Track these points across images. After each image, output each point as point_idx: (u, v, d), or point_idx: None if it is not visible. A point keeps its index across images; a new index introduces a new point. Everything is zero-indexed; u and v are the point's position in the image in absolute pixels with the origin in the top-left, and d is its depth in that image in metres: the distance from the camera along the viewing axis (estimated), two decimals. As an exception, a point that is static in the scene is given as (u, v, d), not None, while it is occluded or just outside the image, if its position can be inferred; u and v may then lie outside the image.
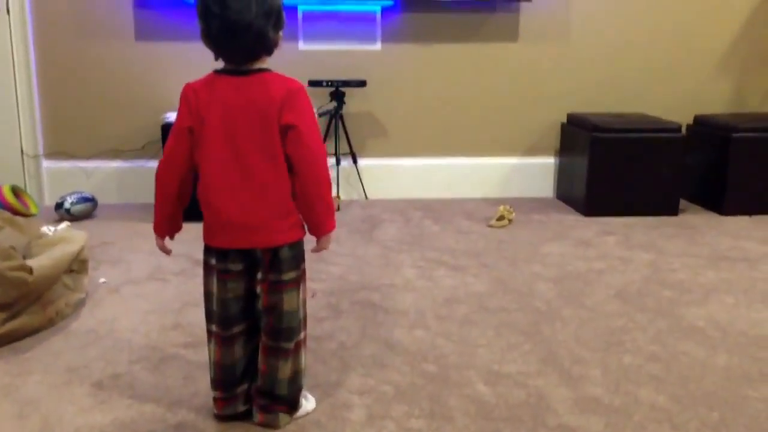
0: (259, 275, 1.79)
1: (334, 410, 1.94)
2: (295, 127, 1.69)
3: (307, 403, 1.93)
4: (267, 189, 1.72)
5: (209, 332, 1.86)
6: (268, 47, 1.73)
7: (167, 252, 1.92)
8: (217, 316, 1.83)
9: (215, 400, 1.88)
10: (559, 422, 1.89)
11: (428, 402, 1.99)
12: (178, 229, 1.89)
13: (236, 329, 1.83)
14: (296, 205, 1.77)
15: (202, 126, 1.71)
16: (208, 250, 1.82)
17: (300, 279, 1.83)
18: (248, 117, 1.69)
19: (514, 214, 3.82)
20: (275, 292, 1.79)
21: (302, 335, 1.86)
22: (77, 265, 2.65)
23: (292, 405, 1.88)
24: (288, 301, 1.80)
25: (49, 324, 2.43)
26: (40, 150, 4.14)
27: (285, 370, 1.83)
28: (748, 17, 4.34)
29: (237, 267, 1.79)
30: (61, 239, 2.65)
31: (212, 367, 1.86)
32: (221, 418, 1.88)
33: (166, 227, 1.86)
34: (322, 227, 1.80)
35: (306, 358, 1.91)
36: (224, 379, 1.85)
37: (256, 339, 1.86)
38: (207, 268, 1.83)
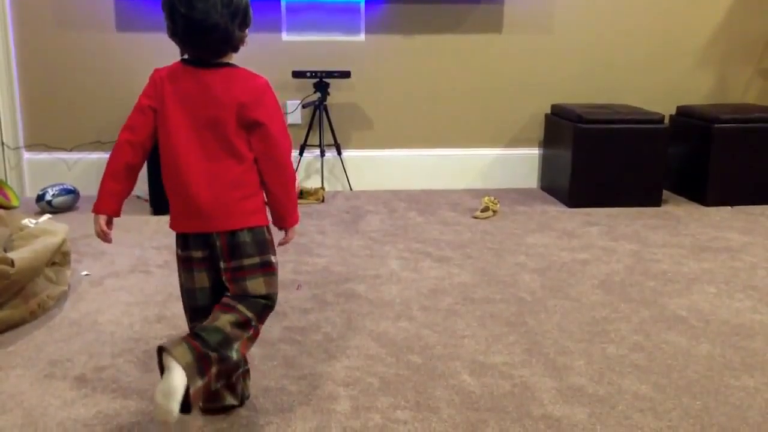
0: (222, 264, 1.76)
1: (320, 402, 1.94)
2: (263, 125, 1.72)
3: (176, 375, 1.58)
4: (225, 175, 1.72)
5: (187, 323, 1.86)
6: (233, 46, 1.75)
7: (108, 238, 1.85)
8: (186, 307, 1.84)
9: None
10: (543, 412, 1.90)
11: (414, 393, 1.99)
12: (118, 212, 1.83)
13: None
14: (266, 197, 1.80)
15: (164, 109, 1.73)
16: (176, 239, 1.82)
17: (265, 267, 1.78)
18: (208, 109, 1.71)
19: (498, 205, 3.83)
20: (238, 279, 1.75)
21: (259, 326, 1.77)
22: (59, 258, 2.63)
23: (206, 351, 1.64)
24: (252, 286, 1.75)
25: (31, 317, 2.41)
26: (21, 142, 4.09)
27: (225, 323, 1.68)
28: (730, 8, 4.37)
29: (198, 254, 1.77)
30: (43, 232, 2.63)
31: None
32: (205, 411, 1.88)
33: (108, 203, 1.80)
34: (289, 219, 1.82)
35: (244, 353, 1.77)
36: None
37: None
38: (177, 258, 1.84)
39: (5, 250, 2.38)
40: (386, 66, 4.23)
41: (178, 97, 1.72)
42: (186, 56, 1.75)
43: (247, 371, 1.92)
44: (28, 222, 2.73)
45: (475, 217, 3.72)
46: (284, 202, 1.79)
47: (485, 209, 3.76)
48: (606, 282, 2.85)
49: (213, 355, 1.63)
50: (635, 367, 2.15)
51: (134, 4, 3.98)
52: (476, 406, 1.93)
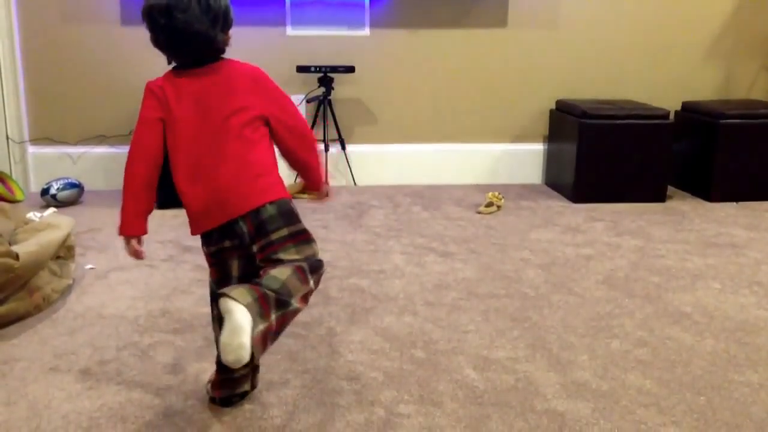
0: (254, 248, 1.71)
1: (324, 396, 1.94)
2: (275, 109, 1.76)
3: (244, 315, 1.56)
4: (241, 163, 1.71)
5: (213, 313, 1.84)
6: (217, 49, 1.76)
7: (141, 255, 1.84)
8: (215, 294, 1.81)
9: (214, 383, 1.87)
10: (547, 407, 1.90)
11: (417, 387, 1.99)
12: (146, 230, 1.83)
13: None
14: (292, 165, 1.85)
15: (171, 118, 1.72)
16: (202, 241, 1.79)
17: (295, 236, 1.70)
18: (214, 102, 1.71)
19: (503, 200, 3.82)
20: (269, 255, 1.68)
21: (313, 283, 1.69)
22: (64, 252, 2.63)
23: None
24: (286, 257, 1.67)
25: (36, 310, 2.42)
26: (26, 136, 4.10)
27: (284, 273, 1.63)
28: (737, 3, 4.35)
29: (227, 243, 1.74)
30: (48, 225, 2.63)
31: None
32: (217, 401, 1.88)
33: (135, 225, 1.80)
34: (321, 178, 1.91)
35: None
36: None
37: None
38: (206, 257, 1.81)
39: (10, 244, 2.39)
40: (391, 60, 4.22)
41: (184, 99, 1.72)
42: (175, 64, 1.76)
43: (257, 366, 1.93)
44: (33, 216, 2.74)
45: (479, 213, 3.71)
46: (315, 164, 1.87)
47: (489, 204, 3.75)
48: (610, 277, 2.84)
49: (272, 296, 1.57)
50: (639, 362, 2.15)
51: (139, -1, 3.99)
52: (480, 400, 1.93)
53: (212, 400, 1.89)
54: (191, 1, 1.66)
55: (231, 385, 1.87)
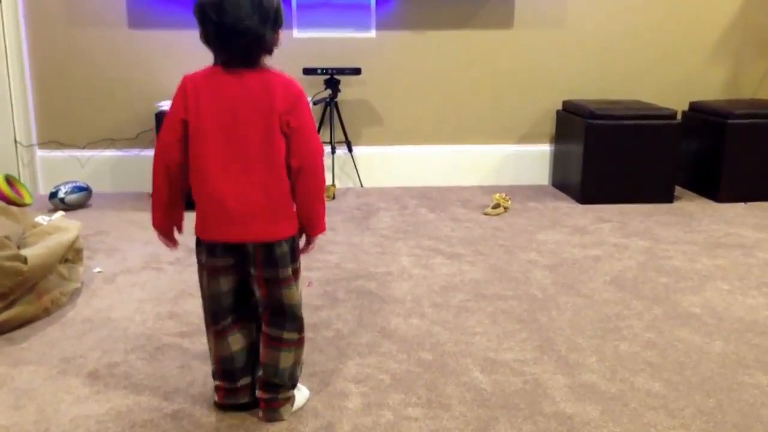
0: (253, 271, 1.78)
1: (331, 399, 1.94)
2: (300, 131, 1.73)
3: (300, 394, 1.92)
4: (265, 184, 1.72)
5: (206, 324, 1.86)
6: (267, 48, 1.74)
7: (174, 245, 1.90)
8: (208, 310, 1.84)
9: (217, 388, 1.88)
10: (555, 409, 1.89)
11: (425, 390, 1.99)
12: (181, 219, 1.87)
13: (226, 322, 1.83)
14: (296, 204, 1.79)
15: (199, 119, 1.71)
16: (198, 245, 1.81)
17: (297, 274, 1.83)
18: (250, 113, 1.70)
19: (510, 201, 3.82)
20: (274, 288, 1.79)
21: (304, 330, 1.87)
22: (72, 255, 2.64)
23: (291, 395, 1.87)
24: (288, 296, 1.80)
25: (44, 314, 2.43)
26: (34, 139, 4.11)
27: (287, 360, 1.83)
28: (743, 4, 4.33)
29: (227, 262, 1.78)
30: (56, 229, 2.64)
31: (212, 359, 1.87)
32: (221, 406, 1.88)
33: (167, 220, 1.84)
34: (319, 226, 1.82)
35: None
36: (224, 371, 1.85)
37: (254, 332, 1.86)
38: (198, 262, 1.83)
39: (18, 247, 2.39)
40: (397, 62, 4.22)
41: (215, 103, 1.70)
42: (221, 61, 1.73)
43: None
44: (41, 219, 2.74)
45: (486, 214, 3.71)
46: (316, 207, 1.80)
47: (496, 206, 3.75)
48: (618, 279, 2.83)
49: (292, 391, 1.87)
50: (648, 364, 2.14)
51: (145, 2, 3.99)
52: (488, 403, 1.93)
53: (216, 404, 1.89)
54: None
55: (230, 394, 1.87)
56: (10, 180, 3.81)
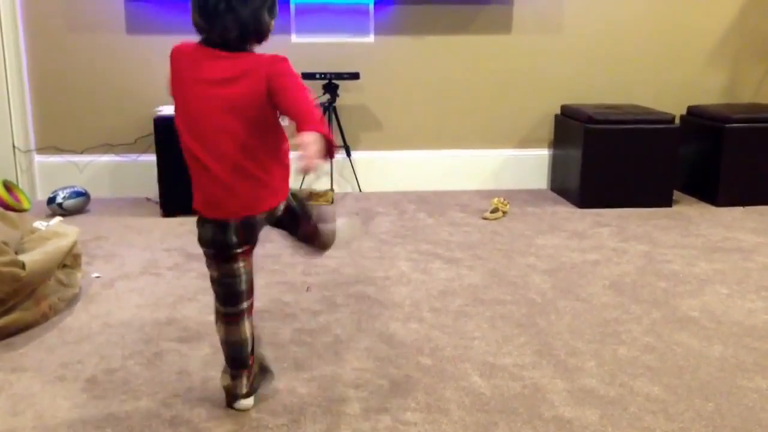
0: (238, 251, 1.82)
1: (330, 404, 1.93)
2: (286, 77, 1.69)
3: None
4: (241, 167, 1.72)
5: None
6: (261, 32, 1.72)
7: None
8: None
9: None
10: (554, 414, 1.89)
11: (424, 395, 1.98)
12: None
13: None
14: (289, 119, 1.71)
15: (181, 90, 1.74)
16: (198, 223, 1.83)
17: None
18: (234, 86, 1.68)
19: (508, 206, 3.82)
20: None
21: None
22: (70, 260, 2.63)
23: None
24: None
25: (42, 319, 2.42)
26: (32, 145, 4.11)
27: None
28: (742, 7, 4.34)
29: (217, 237, 1.80)
30: (54, 234, 2.64)
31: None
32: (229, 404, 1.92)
33: None
34: (320, 127, 1.61)
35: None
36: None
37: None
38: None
39: (16, 253, 2.39)
40: (395, 67, 4.23)
41: (200, 83, 1.70)
42: (208, 40, 1.71)
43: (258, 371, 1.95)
44: (40, 224, 2.74)
45: (485, 218, 3.71)
46: (309, 108, 1.67)
47: (495, 210, 3.75)
48: (617, 283, 2.83)
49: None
50: (647, 368, 2.14)
51: (144, 8, 4.00)
52: (487, 407, 1.92)
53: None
54: None
55: (234, 380, 1.90)
56: (8, 185, 3.81)
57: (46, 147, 4.13)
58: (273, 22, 1.75)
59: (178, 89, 1.74)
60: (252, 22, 1.68)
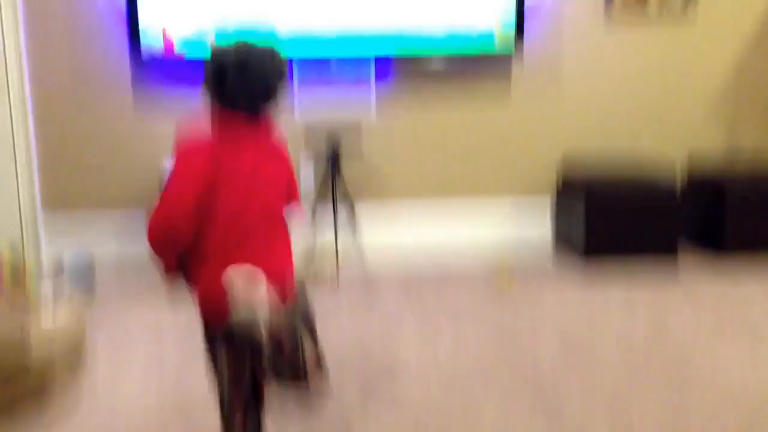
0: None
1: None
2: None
3: None
4: (284, 254, 1.81)
5: None
6: (278, 103, 1.79)
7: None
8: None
9: None
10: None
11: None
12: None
13: None
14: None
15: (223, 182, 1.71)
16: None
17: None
18: (273, 171, 1.79)
19: (513, 282, 3.66)
20: None
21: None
22: (75, 360, 2.58)
23: None
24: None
25: (49, 407, 2.39)
26: (38, 201, 4.12)
27: None
28: (741, 55, 4.36)
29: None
30: (61, 323, 2.59)
31: None
32: None
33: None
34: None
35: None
36: None
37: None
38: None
39: (22, 342, 2.36)
40: (398, 147, 4.27)
41: (240, 163, 1.72)
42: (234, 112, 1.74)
43: None
44: (45, 311, 2.65)
45: (497, 289, 3.57)
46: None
47: (501, 280, 3.66)
48: (626, 349, 2.78)
49: None
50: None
51: (152, 89, 4.04)
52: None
53: None
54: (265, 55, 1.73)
55: None
56: (14, 277, 3.64)
57: (51, 203, 4.14)
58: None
59: None
60: None
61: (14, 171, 3.98)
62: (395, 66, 4.20)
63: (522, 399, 2.38)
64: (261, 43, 1.73)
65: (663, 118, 4.39)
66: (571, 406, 2.32)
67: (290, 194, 1.85)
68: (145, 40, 3.90)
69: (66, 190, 4.14)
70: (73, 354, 2.55)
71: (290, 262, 1.80)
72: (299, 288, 1.83)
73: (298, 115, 4.13)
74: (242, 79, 1.70)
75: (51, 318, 2.67)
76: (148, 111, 4.08)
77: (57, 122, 4.09)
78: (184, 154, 1.69)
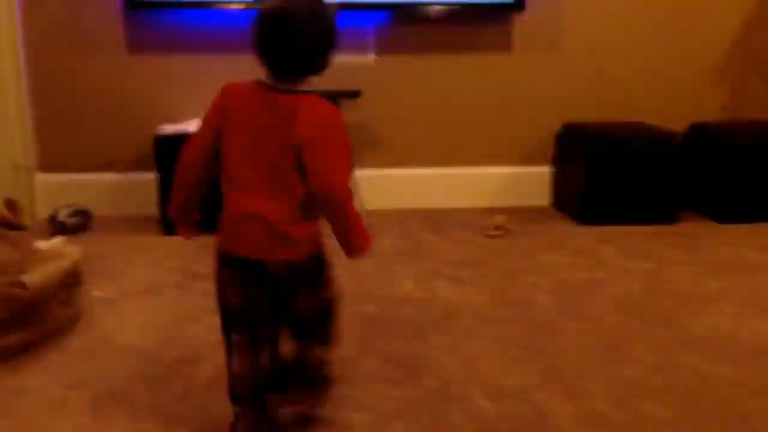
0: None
1: (333, 428, 1.91)
2: (316, 164, 1.69)
3: None
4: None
5: None
6: (316, 70, 1.71)
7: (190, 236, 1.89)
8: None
9: None
10: (562, 437, 1.87)
11: (429, 418, 1.96)
12: (184, 221, 1.87)
13: None
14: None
15: (228, 132, 1.71)
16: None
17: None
18: (268, 143, 1.67)
19: (510, 224, 3.78)
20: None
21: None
22: (72, 280, 2.61)
23: None
24: None
25: (43, 340, 2.40)
26: (33, 162, 4.10)
27: None
28: (744, 23, 4.34)
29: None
30: (56, 254, 2.62)
31: None
32: None
33: (174, 211, 1.85)
34: (356, 248, 1.84)
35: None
36: None
37: None
38: None
39: (17, 273, 2.37)
40: (396, 86, 4.22)
41: (242, 119, 1.69)
42: (263, 77, 1.70)
43: None
44: (40, 244, 2.72)
45: (488, 236, 3.69)
46: (345, 234, 1.74)
47: (497, 227, 3.73)
48: (623, 302, 2.81)
49: None
50: (655, 390, 2.12)
51: (145, 28, 4.00)
52: (493, 431, 1.90)
53: None
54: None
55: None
56: (9, 203, 3.78)
57: (47, 164, 4.12)
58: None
59: None
60: None
61: (8, 132, 3.96)
62: (392, 15, 4.17)
63: (518, 354, 2.38)
64: None
65: (665, 85, 4.37)
66: (567, 360, 2.33)
67: (313, 174, 1.67)
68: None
69: (61, 150, 4.12)
70: (69, 275, 2.56)
71: (289, 220, 1.70)
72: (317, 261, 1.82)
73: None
74: (272, 35, 1.61)
75: (46, 243, 2.69)
76: (142, 53, 4.05)
77: (51, 74, 4.06)
78: (219, 93, 1.73)
